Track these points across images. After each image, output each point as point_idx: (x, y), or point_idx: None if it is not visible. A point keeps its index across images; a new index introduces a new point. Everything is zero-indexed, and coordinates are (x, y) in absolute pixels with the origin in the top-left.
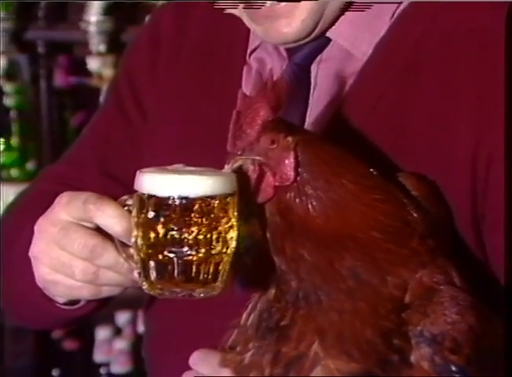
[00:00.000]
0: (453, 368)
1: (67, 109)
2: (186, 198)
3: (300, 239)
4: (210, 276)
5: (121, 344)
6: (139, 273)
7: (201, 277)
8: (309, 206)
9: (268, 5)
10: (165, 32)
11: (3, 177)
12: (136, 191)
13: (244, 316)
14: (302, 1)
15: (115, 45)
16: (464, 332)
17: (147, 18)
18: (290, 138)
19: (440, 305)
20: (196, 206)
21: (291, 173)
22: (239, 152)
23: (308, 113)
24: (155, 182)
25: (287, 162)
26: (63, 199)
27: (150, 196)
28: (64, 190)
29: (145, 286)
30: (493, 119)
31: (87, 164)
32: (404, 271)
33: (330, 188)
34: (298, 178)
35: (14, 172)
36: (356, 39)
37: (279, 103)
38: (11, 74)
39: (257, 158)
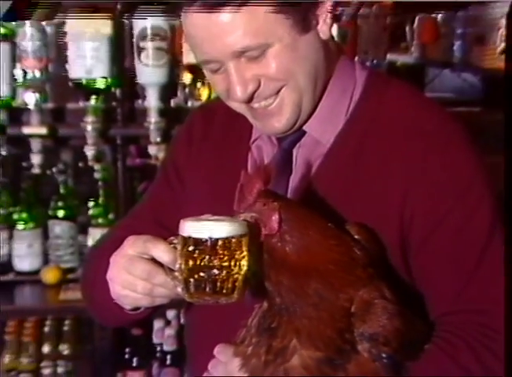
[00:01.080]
0: (384, 356)
1: (135, 180)
2: (214, 238)
3: (280, 270)
4: (229, 290)
5: (170, 331)
6: (182, 288)
7: (224, 290)
8: (287, 248)
9: (262, 106)
10: (196, 128)
11: (93, 223)
12: (179, 233)
13: (250, 320)
14: (286, 105)
15: (167, 137)
16: (392, 331)
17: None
18: (276, 203)
19: (375, 314)
20: (220, 243)
21: (276, 226)
22: (241, 211)
23: (291, 180)
24: (193, 228)
25: (273, 218)
26: (129, 240)
27: (189, 237)
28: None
29: (186, 296)
30: (414, 187)
31: (146, 217)
32: (351, 290)
33: (302, 237)
34: (281, 229)
35: (100, 220)
36: (323, 132)
37: (268, 179)
38: (99, 158)
39: (254, 215)
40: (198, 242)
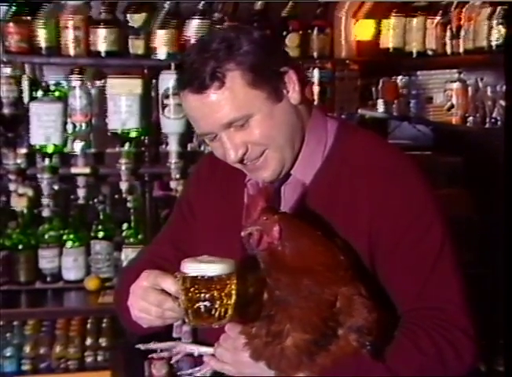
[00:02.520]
0: (368, 343)
1: (159, 208)
2: (207, 276)
3: (279, 269)
4: (221, 316)
5: (186, 328)
6: (183, 314)
7: (216, 317)
8: (285, 251)
9: (252, 163)
10: (204, 171)
11: (126, 242)
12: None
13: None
14: (270, 161)
15: (184, 174)
16: (372, 323)
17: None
18: (276, 216)
19: (357, 310)
20: (213, 280)
21: (277, 235)
22: (248, 225)
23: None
24: (190, 268)
25: (274, 229)
26: (144, 274)
27: (188, 275)
28: (153, 260)
29: (187, 321)
30: (378, 211)
31: (166, 243)
32: (335, 287)
33: (296, 243)
34: (281, 238)
35: (132, 240)
36: (304, 173)
37: (268, 198)
38: (131, 191)
39: (259, 227)
40: (194, 279)
